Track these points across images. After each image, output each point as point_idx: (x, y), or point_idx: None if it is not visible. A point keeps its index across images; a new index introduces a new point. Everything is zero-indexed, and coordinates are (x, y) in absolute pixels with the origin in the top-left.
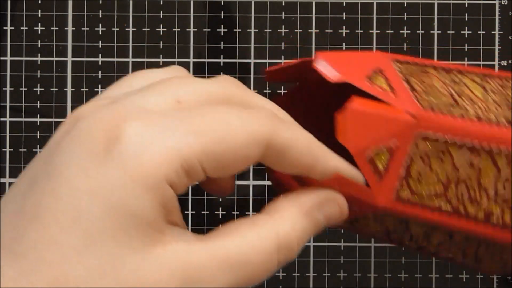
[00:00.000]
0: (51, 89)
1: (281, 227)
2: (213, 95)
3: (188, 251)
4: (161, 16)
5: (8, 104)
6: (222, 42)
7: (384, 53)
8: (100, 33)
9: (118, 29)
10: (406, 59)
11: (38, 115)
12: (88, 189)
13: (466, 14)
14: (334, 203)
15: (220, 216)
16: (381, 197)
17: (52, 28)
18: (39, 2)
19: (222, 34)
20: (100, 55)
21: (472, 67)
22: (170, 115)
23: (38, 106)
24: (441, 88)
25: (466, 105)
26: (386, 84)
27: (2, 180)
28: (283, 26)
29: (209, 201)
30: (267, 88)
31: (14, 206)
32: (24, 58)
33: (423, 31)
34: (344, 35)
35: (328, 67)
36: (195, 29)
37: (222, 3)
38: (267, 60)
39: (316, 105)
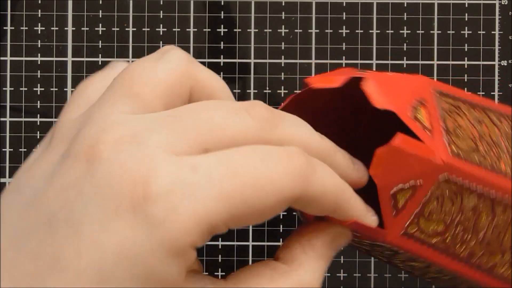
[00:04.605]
0: (51, 89)
1: (302, 277)
2: (241, 139)
3: None
4: (161, 16)
5: (8, 104)
6: (222, 42)
7: (428, 80)
8: (100, 33)
9: (118, 29)
10: (445, 89)
11: (38, 115)
12: (114, 250)
13: (466, 14)
14: (342, 236)
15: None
16: (390, 233)
17: (52, 28)
18: (39, 2)
19: (222, 34)
20: (100, 55)
21: (490, 102)
22: (199, 170)
23: (38, 106)
24: (467, 129)
25: (484, 151)
26: (427, 120)
27: (2, 180)
28: (283, 26)
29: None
30: (267, 88)
31: (29, 245)
32: (24, 58)
33: (423, 31)
34: (344, 35)
35: (375, 90)
36: (195, 29)
37: (222, 3)
38: (267, 60)
39: (321, 104)
